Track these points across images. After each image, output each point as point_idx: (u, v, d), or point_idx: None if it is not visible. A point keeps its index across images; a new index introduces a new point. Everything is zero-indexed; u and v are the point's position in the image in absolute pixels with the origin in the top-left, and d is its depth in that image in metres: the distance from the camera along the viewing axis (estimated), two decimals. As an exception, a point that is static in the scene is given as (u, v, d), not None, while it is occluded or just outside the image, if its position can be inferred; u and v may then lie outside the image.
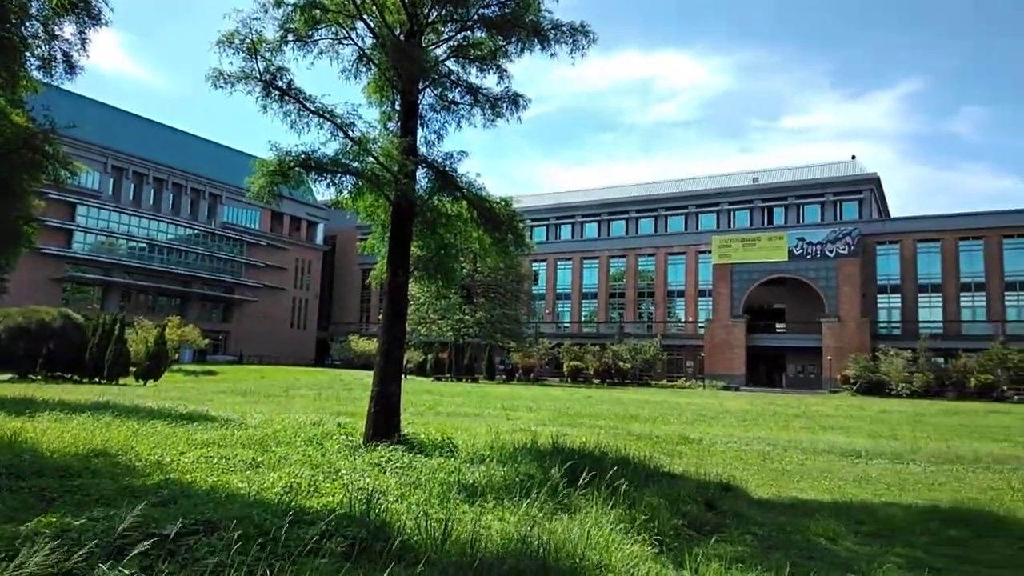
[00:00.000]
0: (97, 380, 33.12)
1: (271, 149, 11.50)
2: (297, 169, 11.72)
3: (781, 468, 13.40)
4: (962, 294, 60.67)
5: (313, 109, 11.76)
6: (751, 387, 61.13)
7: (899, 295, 63.04)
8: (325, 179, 12.10)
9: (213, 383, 37.63)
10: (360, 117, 12.11)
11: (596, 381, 64.37)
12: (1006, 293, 59.08)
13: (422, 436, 12.28)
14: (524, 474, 8.86)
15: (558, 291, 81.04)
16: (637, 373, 65.79)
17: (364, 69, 12.86)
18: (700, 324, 69.99)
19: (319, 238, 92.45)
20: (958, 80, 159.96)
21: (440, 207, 12.73)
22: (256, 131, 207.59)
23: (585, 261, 79.73)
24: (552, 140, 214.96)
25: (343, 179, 12.11)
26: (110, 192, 69.31)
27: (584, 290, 79.53)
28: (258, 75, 11.35)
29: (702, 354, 67.38)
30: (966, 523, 8.75)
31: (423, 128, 12.68)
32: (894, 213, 78.35)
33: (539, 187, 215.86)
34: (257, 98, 11.51)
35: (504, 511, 7.04)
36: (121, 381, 33.84)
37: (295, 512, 6.02)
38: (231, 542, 4.97)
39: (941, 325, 60.36)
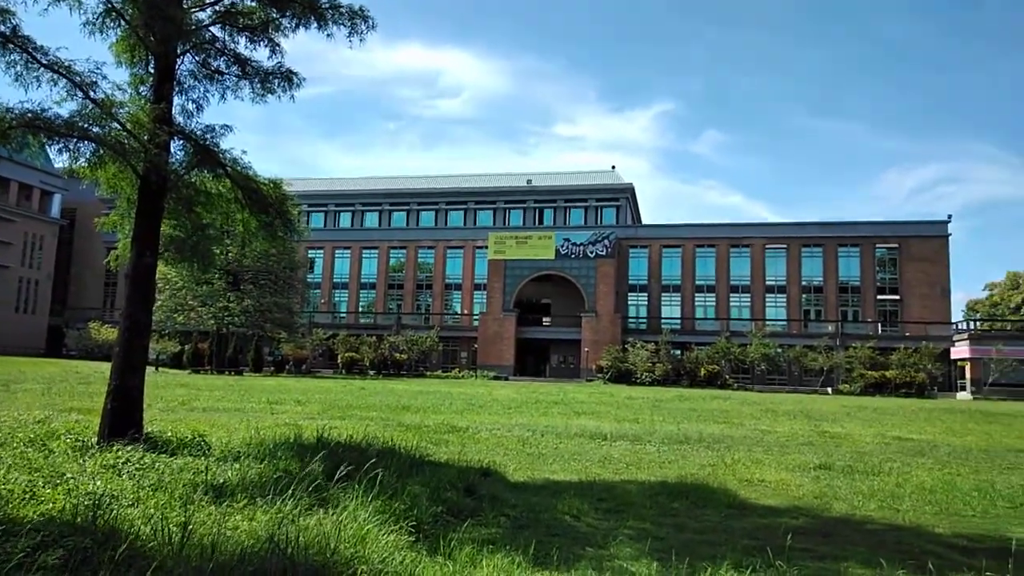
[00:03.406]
0: None
1: (-10, 103, 9.77)
2: (21, 130, 10.08)
3: (537, 452, 14.28)
4: (696, 295, 69.86)
5: (45, 63, 10.18)
6: (519, 377, 64.47)
7: (646, 294, 70.82)
8: (58, 143, 10.54)
9: (-98, 377, 31.20)
10: (105, 77, 10.71)
11: (372, 373, 63.70)
12: (731, 295, 69.12)
13: (169, 434, 11.26)
14: (282, 470, 8.49)
15: (335, 280, 79.01)
16: (413, 364, 66.36)
17: (112, 24, 11.40)
18: (475, 317, 72.42)
19: (55, 210, 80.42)
20: (702, 106, 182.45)
21: (199, 184, 11.72)
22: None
23: (364, 251, 78.62)
24: (333, 123, 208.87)
25: (80, 145, 10.63)
26: None
27: (362, 280, 78.45)
28: (-28, 15, 9.58)
29: (476, 346, 69.79)
30: (687, 496, 9.98)
31: (181, 96, 11.55)
32: (645, 220, 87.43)
33: (317, 170, 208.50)
34: (-27, 43, 9.73)
35: (255, 510, 6.68)
36: None
37: (3, 523, 5.23)
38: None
39: (679, 321, 68.90)
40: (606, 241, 68.27)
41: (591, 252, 68.11)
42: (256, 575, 5.02)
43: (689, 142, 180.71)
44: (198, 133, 11.25)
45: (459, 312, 75.59)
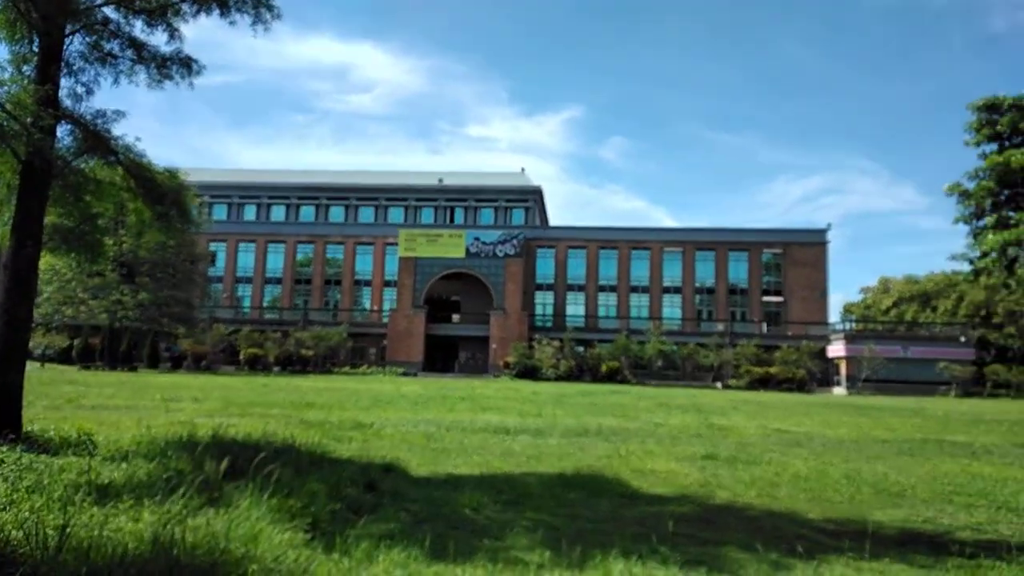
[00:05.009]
0: None
1: None
2: None
3: (442, 447, 14.34)
4: (599, 294, 72.46)
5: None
6: (428, 373, 64.30)
7: (552, 292, 72.70)
8: (-72, 123, 9.81)
9: None
10: (-19, 54, 10.08)
11: (276, 369, 61.81)
12: (631, 295, 72.13)
13: (52, 433, 10.65)
14: (173, 470, 8.22)
15: (239, 274, 76.23)
16: (320, 360, 64.81)
17: (-10, -3, 10.69)
18: (385, 313, 71.67)
19: (-78, 193, 73.67)
20: (609, 113, 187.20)
21: (88, 171, 11.14)
22: None
23: (270, 244, 76.25)
24: (240, 113, 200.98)
25: (-49, 124, 9.92)
26: None
27: (268, 275, 76.14)
28: None
29: (385, 342, 69.03)
30: (582, 487, 10.33)
31: (70, 78, 10.94)
32: (553, 222, 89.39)
33: (224, 161, 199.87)
34: None
35: (142, 511, 6.43)
36: None
37: None
38: None
39: (583, 319, 71.09)
40: (515, 241, 69.25)
41: (500, 251, 68.90)
42: (139, 577, 4.89)
43: (596, 147, 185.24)
44: (88, 118, 10.68)
45: (368, 308, 74.51)
